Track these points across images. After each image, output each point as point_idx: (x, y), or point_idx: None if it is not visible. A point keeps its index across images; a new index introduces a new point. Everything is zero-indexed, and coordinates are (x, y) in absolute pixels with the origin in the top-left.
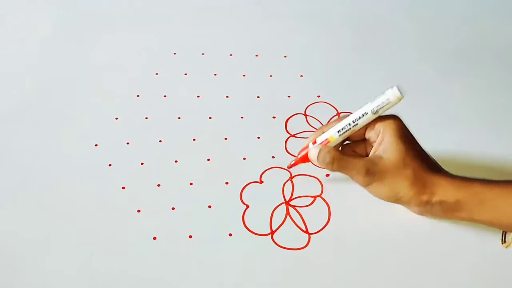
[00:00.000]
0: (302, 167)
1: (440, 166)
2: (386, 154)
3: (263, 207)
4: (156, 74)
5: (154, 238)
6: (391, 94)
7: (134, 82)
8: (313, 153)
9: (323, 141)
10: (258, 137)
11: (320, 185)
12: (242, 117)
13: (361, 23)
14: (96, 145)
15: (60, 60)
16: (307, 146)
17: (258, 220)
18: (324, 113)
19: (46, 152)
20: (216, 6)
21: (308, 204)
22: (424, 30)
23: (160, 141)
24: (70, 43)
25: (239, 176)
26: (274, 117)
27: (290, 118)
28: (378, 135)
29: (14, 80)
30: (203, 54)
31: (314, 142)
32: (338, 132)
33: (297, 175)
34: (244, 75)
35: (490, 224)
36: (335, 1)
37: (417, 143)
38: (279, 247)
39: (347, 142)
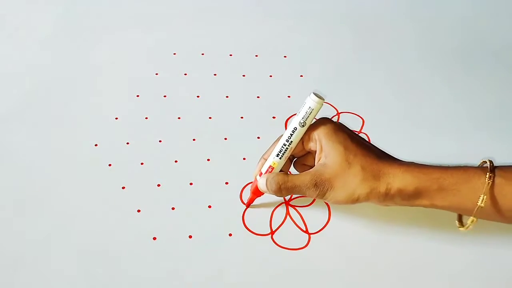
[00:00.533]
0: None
1: (388, 154)
2: (328, 160)
3: (263, 207)
4: (156, 74)
5: (154, 238)
6: (311, 101)
7: (134, 82)
8: (261, 184)
9: (267, 170)
10: (258, 137)
11: None
12: (242, 117)
13: (361, 23)
14: (96, 145)
15: (60, 60)
16: (256, 180)
17: (258, 220)
18: (324, 113)
19: (46, 152)
20: (216, 6)
21: (308, 204)
22: (424, 30)
23: (160, 141)
24: (70, 43)
25: (239, 176)
26: (274, 117)
27: (290, 118)
28: (316, 144)
29: (14, 80)
30: (203, 54)
31: (261, 174)
32: (277, 156)
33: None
34: (244, 75)
35: (451, 209)
36: (335, 1)
37: (357, 137)
38: (279, 247)
39: (295, 159)
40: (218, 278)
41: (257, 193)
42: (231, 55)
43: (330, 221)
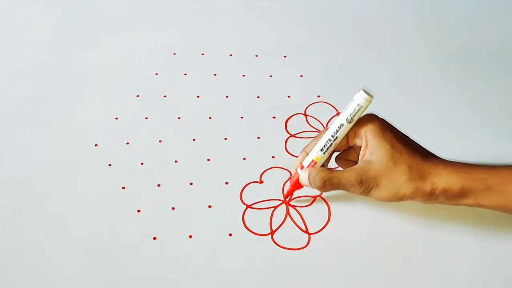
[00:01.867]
0: None
1: (433, 153)
2: (374, 157)
3: (263, 207)
4: (156, 74)
5: (154, 238)
6: (360, 98)
7: (134, 82)
8: (303, 178)
9: (310, 164)
10: (258, 137)
11: None
12: (242, 117)
13: (361, 23)
14: (96, 145)
15: (60, 60)
16: (296, 172)
17: (258, 220)
18: (324, 113)
19: (46, 152)
20: (216, 6)
21: (308, 204)
22: (424, 30)
23: (160, 141)
24: (70, 43)
25: (239, 176)
26: (274, 117)
27: (290, 118)
28: (362, 140)
29: (14, 79)
30: (203, 54)
31: (302, 167)
32: (321, 150)
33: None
34: (244, 75)
35: (497, 209)
36: (335, 1)
37: (403, 135)
38: (279, 247)
39: (337, 152)
40: (218, 278)
41: (297, 185)
42: (231, 55)
43: (330, 221)
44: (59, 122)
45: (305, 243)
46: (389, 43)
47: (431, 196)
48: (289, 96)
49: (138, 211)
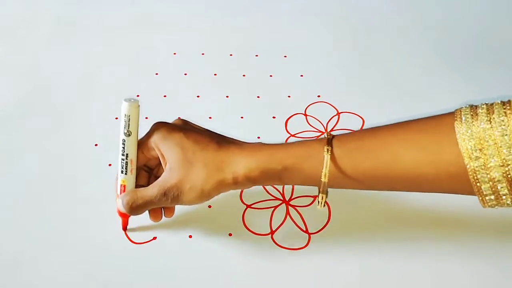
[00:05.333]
0: None
1: (232, 139)
2: (171, 165)
3: (263, 207)
4: (156, 74)
5: (154, 238)
6: (123, 108)
7: (134, 82)
8: (119, 205)
9: (120, 189)
10: (258, 137)
11: None
12: (242, 117)
13: (361, 23)
14: (96, 145)
15: (60, 60)
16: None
17: (258, 220)
18: (324, 113)
19: (46, 152)
20: (216, 6)
21: (308, 204)
22: (424, 30)
23: None
24: (70, 43)
25: None
26: (274, 117)
27: (290, 118)
28: (156, 151)
29: (14, 80)
30: (203, 54)
31: (118, 196)
32: (122, 172)
33: None
34: (244, 75)
35: (302, 184)
36: (335, 1)
37: (194, 132)
38: (279, 247)
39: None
40: (218, 278)
41: (123, 215)
42: (231, 55)
43: (330, 221)
44: (59, 122)
45: (305, 243)
46: (389, 43)
47: (237, 185)
48: (289, 96)
49: None
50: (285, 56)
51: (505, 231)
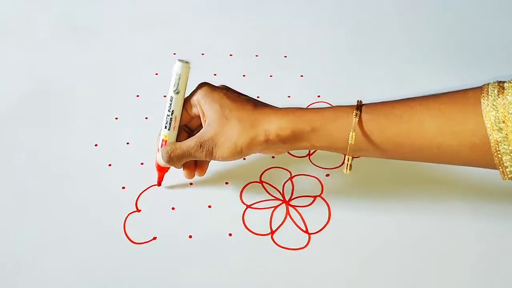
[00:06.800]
0: (301, 166)
1: (268, 104)
2: (209, 120)
3: (263, 207)
4: (156, 74)
5: (154, 238)
6: (176, 68)
7: (134, 82)
8: (158, 158)
9: (161, 144)
10: None
11: (320, 185)
12: None
13: (360, 23)
14: (96, 145)
15: (60, 60)
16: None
17: (258, 220)
18: None
19: (46, 152)
20: (216, 6)
21: (308, 204)
22: (424, 29)
23: None
24: (70, 43)
25: (239, 176)
26: None
27: None
28: (197, 108)
29: (14, 80)
30: (203, 54)
31: (158, 150)
32: (165, 128)
33: (297, 175)
34: (244, 75)
35: (330, 149)
36: (335, 1)
37: (235, 93)
38: (279, 247)
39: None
40: (218, 278)
41: (160, 169)
42: (231, 55)
43: (330, 221)
44: (59, 122)
45: (305, 243)
46: (389, 43)
47: (268, 143)
48: (289, 96)
49: (139, 210)
50: (285, 56)
51: None
